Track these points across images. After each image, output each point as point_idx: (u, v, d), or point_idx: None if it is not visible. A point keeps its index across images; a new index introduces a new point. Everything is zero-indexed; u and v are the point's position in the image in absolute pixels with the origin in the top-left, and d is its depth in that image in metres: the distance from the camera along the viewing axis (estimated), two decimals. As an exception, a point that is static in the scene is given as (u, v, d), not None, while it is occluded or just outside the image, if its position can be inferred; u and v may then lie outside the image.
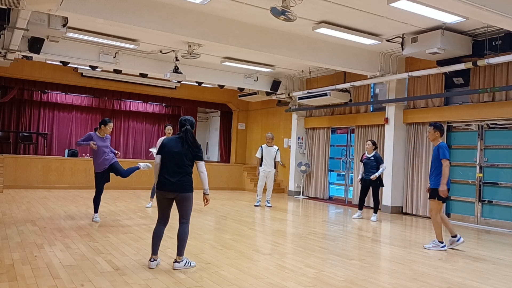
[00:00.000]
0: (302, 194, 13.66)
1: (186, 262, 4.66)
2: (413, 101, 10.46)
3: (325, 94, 11.78)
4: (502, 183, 8.71)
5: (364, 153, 9.34)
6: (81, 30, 9.47)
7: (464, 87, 9.38)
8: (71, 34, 9.54)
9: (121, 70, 12.39)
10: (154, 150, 7.17)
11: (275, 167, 10.62)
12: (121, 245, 5.55)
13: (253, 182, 14.37)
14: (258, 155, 10.60)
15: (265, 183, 10.61)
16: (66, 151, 13.56)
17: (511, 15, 6.07)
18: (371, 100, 11.74)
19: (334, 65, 9.98)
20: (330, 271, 4.82)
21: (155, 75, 12.69)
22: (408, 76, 9.91)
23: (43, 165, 12.09)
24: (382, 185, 9.43)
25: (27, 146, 14.81)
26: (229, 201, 11.44)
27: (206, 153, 19.85)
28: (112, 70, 12.54)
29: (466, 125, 9.55)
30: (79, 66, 13.04)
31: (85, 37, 9.87)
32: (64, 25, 8.39)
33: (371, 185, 9.14)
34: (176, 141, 4.68)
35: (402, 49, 8.82)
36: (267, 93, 14.21)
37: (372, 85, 11.69)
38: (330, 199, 12.96)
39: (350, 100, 12.11)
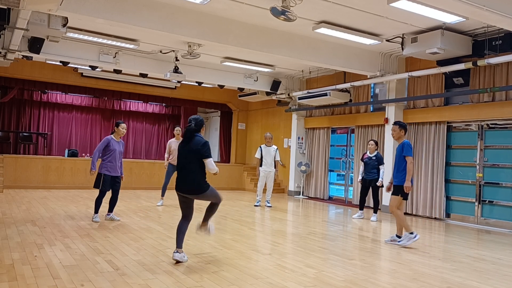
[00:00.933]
0: (302, 194, 13.66)
1: (212, 227, 5.14)
2: (413, 101, 10.47)
3: (325, 94, 11.78)
4: (502, 183, 8.72)
5: (365, 153, 9.33)
6: (81, 30, 9.47)
7: (464, 87, 9.38)
8: (71, 34, 9.54)
9: (121, 70, 12.39)
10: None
11: (275, 167, 10.62)
12: (121, 245, 5.55)
13: (253, 182, 14.37)
14: (257, 155, 10.60)
15: (265, 183, 10.61)
16: (66, 151, 13.56)
17: (511, 15, 6.08)
18: (371, 100, 11.74)
19: (334, 65, 9.98)
20: (330, 271, 4.81)
21: (155, 75, 12.69)
22: (408, 76, 9.91)
23: (43, 165, 12.09)
24: (382, 186, 9.43)
25: (27, 146, 14.81)
26: (229, 201, 11.44)
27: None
28: (112, 70, 12.55)
29: (466, 125, 9.55)
30: (79, 66, 13.04)
31: (85, 37, 9.87)
32: (64, 25, 8.39)
33: (371, 186, 9.14)
34: (183, 141, 4.82)
35: (402, 49, 8.82)
36: (267, 93, 14.21)
37: (372, 85, 11.69)
38: (330, 199, 12.96)
39: (350, 100, 12.11)
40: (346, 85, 11.62)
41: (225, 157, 17.86)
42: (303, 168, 13.34)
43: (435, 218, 9.74)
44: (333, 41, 9.45)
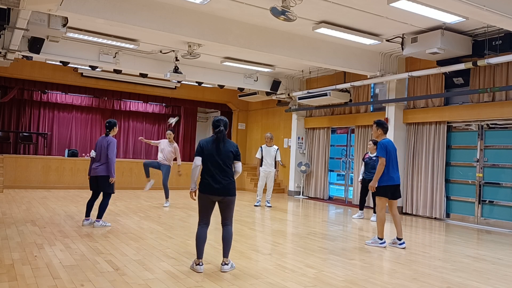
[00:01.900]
0: (302, 194, 13.66)
1: (231, 263, 4.70)
2: (413, 101, 10.46)
3: (325, 94, 11.78)
4: (502, 183, 8.72)
5: (367, 153, 9.33)
6: (81, 30, 9.47)
7: (464, 87, 9.38)
8: (71, 34, 9.54)
9: (121, 70, 12.40)
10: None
11: (275, 167, 10.63)
12: (121, 245, 5.55)
13: (253, 182, 14.37)
14: (258, 155, 10.60)
15: (265, 183, 10.61)
16: (66, 151, 13.55)
17: (511, 15, 6.08)
18: (371, 100, 11.74)
19: (334, 65, 9.98)
20: (330, 271, 4.81)
21: (155, 75, 12.69)
22: (408, 76, 9.91)
23: (43, 165, 12.08)
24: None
25: (27, 146, 14.81)
26: (229, 201, 11.41)
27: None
28: (112, 70, 12.55)
29: (466, 125, 9.55)
30: (79, 66, 13.04)
31: (85, 37, 9.87)
32: (64, 25, 8.38)
33: None
34: (213, 143, 4.63)
35: (402, 49, 8.82)
36: (267, 93, 14.21)
37: (372, 85, 11.69)
38: (330, 199, 12.96)
39: (350, 100, 12.11)
40: (346, 85, 11.62)
41: (225, 157, 17.81)
42: (303, 168, 13.34)
43: (435, 218, 9.74)
44: (333, 41, 9.45)
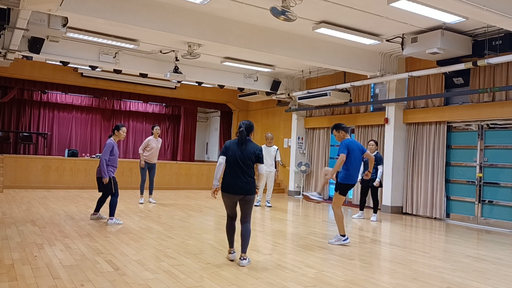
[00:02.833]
0: (302, 194, 13.65)
1: (249, 259, 4.94)
2: (413, 101, 10.46)
3: (325, 94, 11.78)
4: (502, 183, 8.72)
5: (366, 153, 9.31)
6: (81, 30, 9.47)
7: (464, 87, 9.38)
8: (71, 34, 9.54)
9: (121, 70, 12.40)
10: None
11: (275, 167, 10.63)
12: (121, 245, 5.55)
13: (253, 182, 14.34)
14: (258, 155, 10.57)
15: (266, 183, 10.61)
16: (66, 151, 13.56)
17: (511, 15, 6.08)
18: (371, 100, 11.74)
19: (334, 65, 9.98)
20: (330, 271, 4.81)
21: (155, 75, 12.69)
22: (408, 76, 9.91)
23: (43, 165, 12.08)
24: (381, 186, 9.43)
25: (27, 146, 14.82)
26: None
27: (206, 153, 19.85)
28: (112, 70, 12.55)
29: (466, 125, 9.55)
30: (79, 66, 13.04)
31: (85, 37, 9.87)
32: (64, 25, 8.39)
33: (369, 186, 9.13)
34: (236, 144, 4.93)
35: (402, 49, 8.82)
36: (267, 93, 14.21)
37: (372, 85, 11.69)
38: (330, 199, 12.95)
39: (350, 100, 12.11)
40: (346, 85, 11.62)
41: (225, 157, 17.81)
42: (303, 168, 13.34)
43: (435, 218, 9.75)
44: (333, 41, 9.45)
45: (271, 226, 7.91)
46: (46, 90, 14.76)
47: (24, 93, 14.88)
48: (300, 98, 12.94)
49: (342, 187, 6.43)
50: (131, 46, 10.45)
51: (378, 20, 8.00)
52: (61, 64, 11.25)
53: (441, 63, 9.06)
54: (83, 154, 14.73)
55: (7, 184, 11.33)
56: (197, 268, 4.67)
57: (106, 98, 16.06)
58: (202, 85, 14.26)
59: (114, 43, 10.21)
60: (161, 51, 11.11)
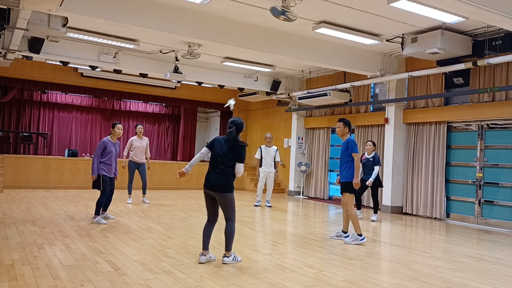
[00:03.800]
0: (302, 194, 13.66)
1: (233, 257, 4.96)
2: (413, 101, 10.47)
3: (325, 94, 11.78)
4: (502, 183, 8.72)
5: (363, 154, 9.29)
6: (81, 30, 9.48)
7: (464, 87, 9.38)
8: (71, 34, 9.54)
9: (121, 70, 12.40)
10: None
11: (275, 167, 10.62)
12: (121, 245, 5.55)
13: (253, 182, 14.36)
14: (257, 156, 10.59)
15: (265, 183, 10.61)
16: (66, 151, 13.56)
17: (511, 15, 6.08)
18: (371, 100, 11.74)
19: (334, 65, 9.98)
20: (330, 271, 4.81)
21: (155, 75, 12.69)
22: (408, 76, 9.91)
23: (43, 165, 12.08)
24: (381, 186, 9.42)
25: (27, 146, 14.81)
26: (229, 201, 11.42)
27: (206, 153, 19.78)
28: (112, 70, 12.56)
29: (466, 125, 9.55)
30: (79, 66, 13.04)
31: (85, 37, 9.88)
32: (64, 25, 8.39)
33: (369, 186, 9.11)
34: (223, 141, 4.96)
35: (402, 49, 8.82)
36: (267, 93, 14.21)
37: (372, 85, 11.69)
38: (330, 199, 12.96)
39: (350, 100, 12.11)
40: (346, 85, 11.62)
41: (225, 157, 17.80)
42: (303, 168, 13.34)
43: (435, 218, 9.75)
44: (333, 41, 9.45)
45: (271, 226, 7.91)
46: (46, 90, 14.75)
47: (24, 93, 14.87)
48: (300, 98, 12.94)
49: (352, 186, 6.47)
50: (131, 46, 10.45)
51: (378, 20, 8.00)
52: (61, 64, 11.25)
53: (441, 63, 9.06)
54: (83, 154, 14.72)
55: (7, 184, 11.33)
56: (197, 268, 4.67)
57: (106, 98, 16.05)
58: (202, 85, 14.27)
59: (114, 43, 10.21)
60: (161, 51, 11.11)
